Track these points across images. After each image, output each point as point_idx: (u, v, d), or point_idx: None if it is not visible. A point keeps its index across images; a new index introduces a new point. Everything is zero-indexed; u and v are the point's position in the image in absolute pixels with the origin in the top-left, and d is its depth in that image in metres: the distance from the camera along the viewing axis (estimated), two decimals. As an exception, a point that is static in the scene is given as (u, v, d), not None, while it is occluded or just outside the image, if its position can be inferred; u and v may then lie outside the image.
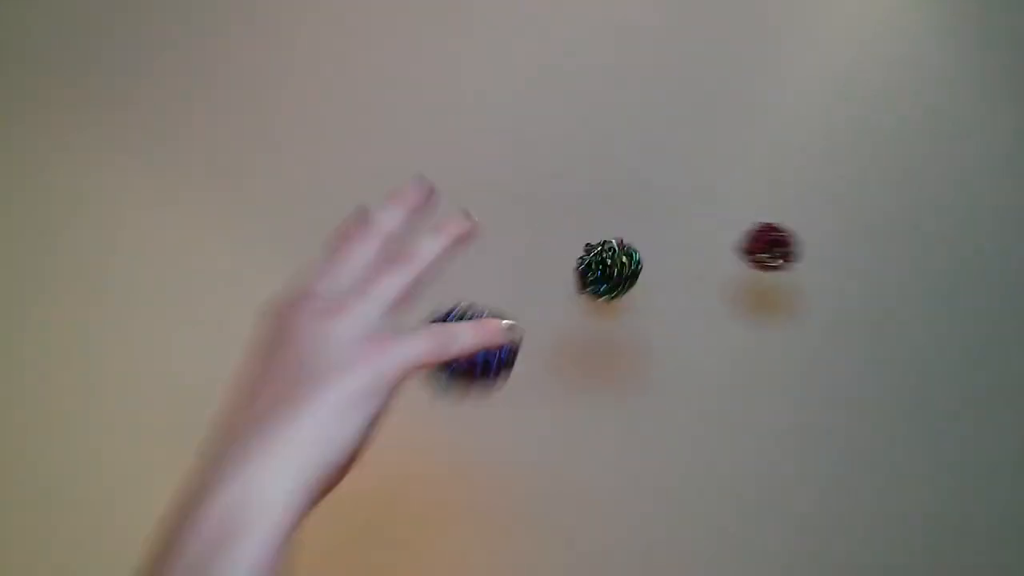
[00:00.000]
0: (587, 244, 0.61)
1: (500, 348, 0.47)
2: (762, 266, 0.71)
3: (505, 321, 0.47)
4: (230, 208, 1.00)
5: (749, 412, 1.05)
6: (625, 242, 0.60)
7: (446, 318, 0.48)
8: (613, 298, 0.60)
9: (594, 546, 1.03)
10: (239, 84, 1.01)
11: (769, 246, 0.71)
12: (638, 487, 1.04)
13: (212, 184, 1.00)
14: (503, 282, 0.95)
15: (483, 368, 0.48)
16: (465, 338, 0.45)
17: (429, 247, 0.47)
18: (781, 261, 0.71)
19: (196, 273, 0.99)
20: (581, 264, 0.60)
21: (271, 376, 0.42)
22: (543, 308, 0.85)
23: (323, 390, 0.40)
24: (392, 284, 0.45)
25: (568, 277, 0.61)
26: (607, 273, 0.59)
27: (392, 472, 0.95)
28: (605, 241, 0.60)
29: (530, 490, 1.02)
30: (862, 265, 1.07)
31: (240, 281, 0.98)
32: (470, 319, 0.47)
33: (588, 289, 0.60)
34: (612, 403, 1.04)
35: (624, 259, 0.59)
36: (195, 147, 1.00)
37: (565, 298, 0.64)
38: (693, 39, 1.05)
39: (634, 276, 0.60)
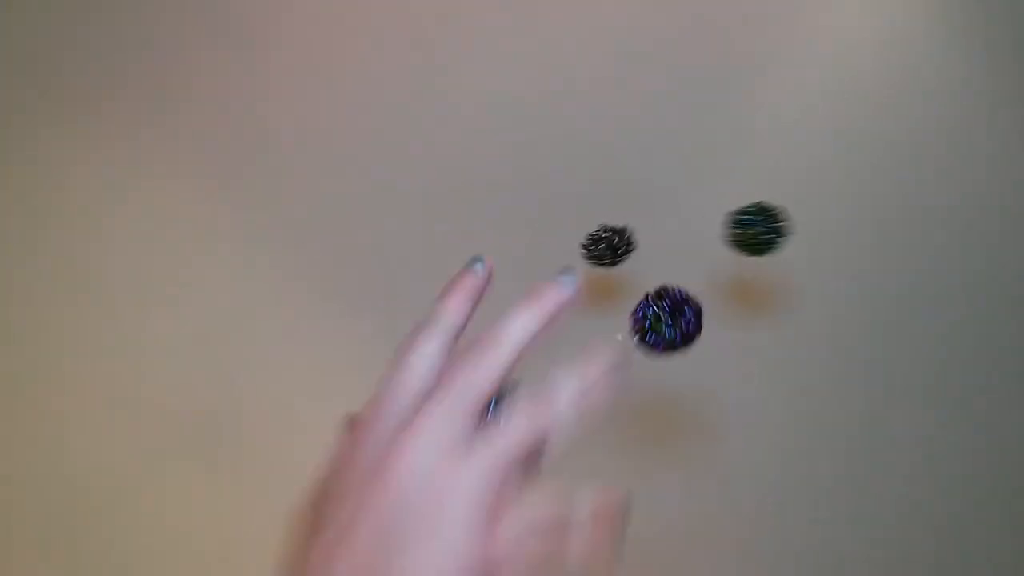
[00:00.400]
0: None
1: (684, 315, 0.43)
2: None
3: (607, 359, 0.39)
4: (228, 208, 1.00)
5: (746, 410, 1.05)
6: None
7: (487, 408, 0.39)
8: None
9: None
10: (239, 81, 1.00)
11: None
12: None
13: (208, 184, 1.00)
14: (502, 282, 0.95)
15: (675, 342, 0.43)
16: (568, 410, 0.37)
17: (516, 326, 0.38)
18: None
19: (193, 272, 0.99)
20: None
21: (363, 520, 0.34)
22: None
23: (420, 557, 0.33)
24: (525, 429, 0.36)
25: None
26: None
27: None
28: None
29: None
30: (863, 265, 1.07)
31: (239, 281, 0.98)
32: (506, 400, 0.39)
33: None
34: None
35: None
36: (192, 146, 0.99)
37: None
38: (693, 39, 1.05)
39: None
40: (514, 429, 0.35)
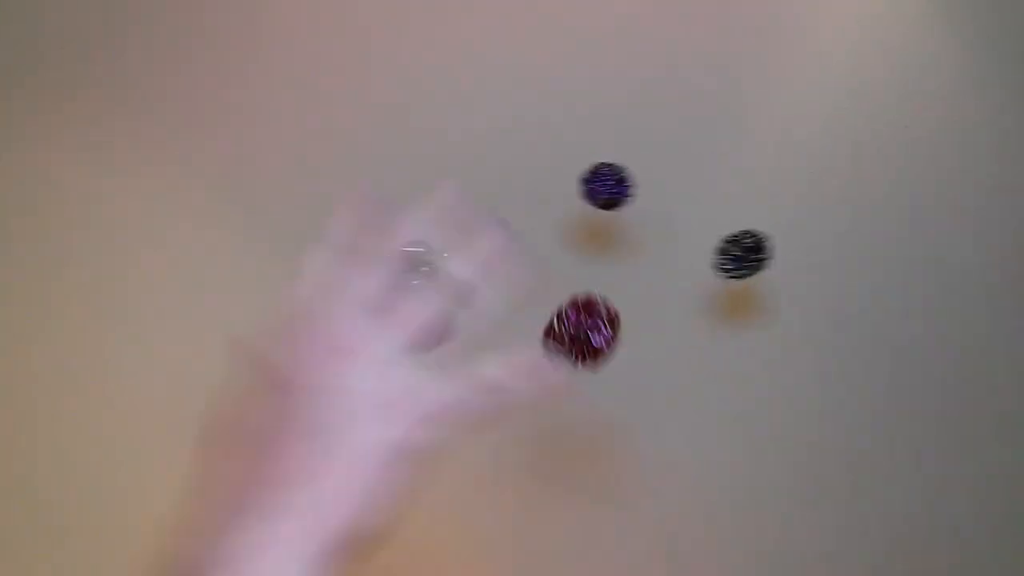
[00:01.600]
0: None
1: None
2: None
3: (541, 365, 0.38)
4: (243, 210, 1.00)
5: (741, 414, 1.06)
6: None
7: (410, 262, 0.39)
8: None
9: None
10: (255, 85, 1.01)
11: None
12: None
13: (224, 186, 1.00)
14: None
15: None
16: (515, 392, 0.37)
17: (466, 267, 0.39)
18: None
19: (208, 276, 0.99)
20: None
21: (277, 430, 0.35)
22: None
23: (338, 448, 0.34)
24: (419, 311, 0.37)
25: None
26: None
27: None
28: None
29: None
30: (858, 267, 1.07)
31: (253, 283, 0.98)
32: (426, 268, 0.38)
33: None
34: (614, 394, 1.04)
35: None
36: (207, 148, 1.00)
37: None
38: (691, 40, 1.05)
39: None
40: (409, 316, 0.37)
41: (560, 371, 0.39)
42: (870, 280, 1.07)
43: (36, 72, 0.99)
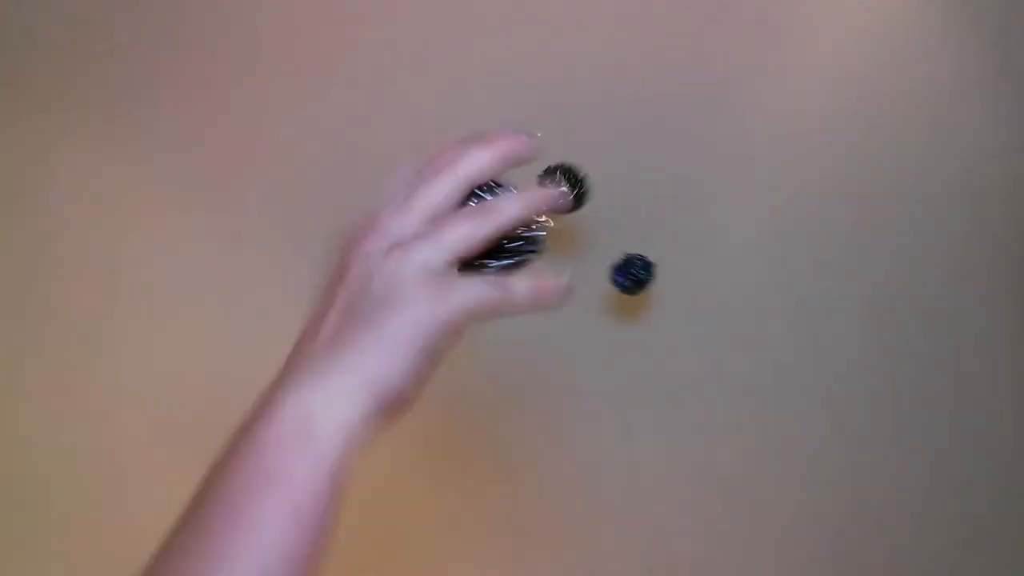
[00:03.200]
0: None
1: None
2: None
3: (562, 281, 0.47)
4: (245, 209, 1.00)
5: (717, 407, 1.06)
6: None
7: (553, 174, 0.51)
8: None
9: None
10: (255, 83, 1.01)
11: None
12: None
13: (224, 186, 1.00)
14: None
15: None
16: (522, 296, 0.45)
17: (511, 208, 0.47)
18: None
19: (210, 273, 0.99)
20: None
21: (337, 305, 0.44)
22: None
23: (385, 322, 0.41)
24: (464, 234, 0.45)
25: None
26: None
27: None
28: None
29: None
30: (857, 266, 1.07)
31: (254, 282, 0.98)
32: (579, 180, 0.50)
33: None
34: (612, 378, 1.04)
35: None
36: (206, 146, 1.00)
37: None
38: (690, 40, 1.05)
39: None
40: (454, 229, 0.45)
41: (559, 284, 0.47)
42: (869, 280, 1.07)
43: (34, 70, 0.99)
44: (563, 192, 0.50)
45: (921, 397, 1.08)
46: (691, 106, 1.04)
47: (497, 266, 0.48)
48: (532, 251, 0.49)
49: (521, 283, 0.46)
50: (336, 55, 1.02)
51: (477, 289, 0.44)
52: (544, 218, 0.49)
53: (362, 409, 0.40)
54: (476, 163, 0.48)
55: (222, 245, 1.00)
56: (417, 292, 0.42)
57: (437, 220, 0.45)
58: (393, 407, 0.41)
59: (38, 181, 0.98)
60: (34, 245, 0.98)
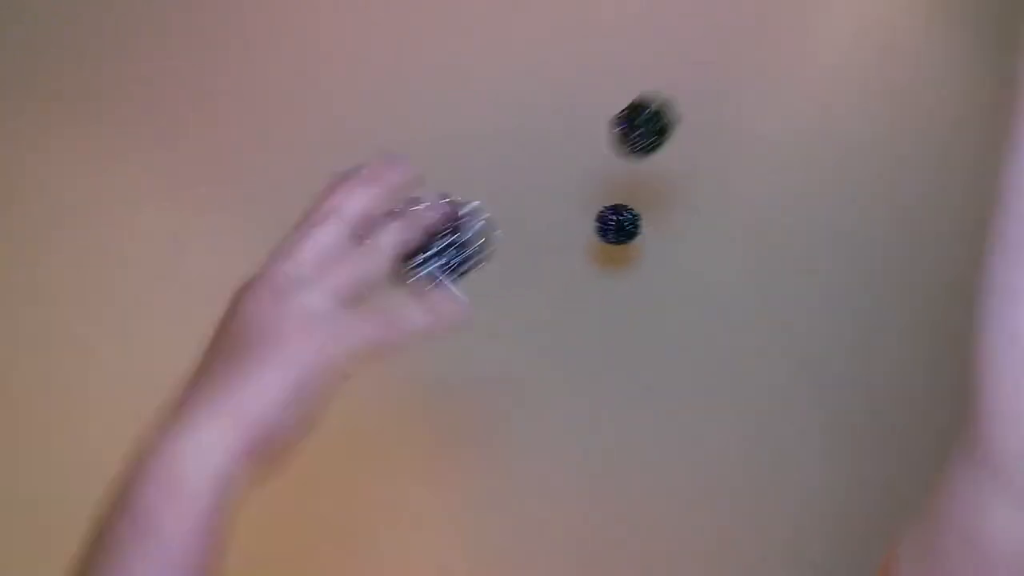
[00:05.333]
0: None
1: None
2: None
3: (459, 303, 0.48)
4: (230, 208, 1.00)
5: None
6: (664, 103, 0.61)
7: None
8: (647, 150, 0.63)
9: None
10: (238, 84, 1.01)
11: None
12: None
13: (209, 184, 1.00)
14: (503, 267, 0.95)
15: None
16: (417, 324, 0.46)
17: (390, 240, 0.48)
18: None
19: (193, 272, 0.99)
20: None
21: (221, 349, 0.44)
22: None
23: (256, 363, 0.42)
24: (349, 273, 0.46)
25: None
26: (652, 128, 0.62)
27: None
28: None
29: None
30: (857, 266, 1.07)
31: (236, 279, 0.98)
32: None
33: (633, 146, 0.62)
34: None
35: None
36: (192, 148, 1.00)
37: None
38: (689, 39, 1.05)
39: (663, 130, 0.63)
40: (339, 270, 0.45)
41: (456, 305, 0.48)
42: (860, 276, 1.07)
43: (33, 67, 0.99)
44: (440, 206, 0.50)
45: (910, 386, 1.08)
46: (691, 106, 1.03)
47: (437, 265, 0.49)
48: (472, 242, 0.49)
49: (415, 312, 0.46)
50: (330, 53, 1.02)
51: (361, 330, 0.44)
52: (470, 207, 0.50)
53: (234, 455, 0.40)
54: (359, 203, 0.48)
55: (217, 243, 0.99)
56: (292, 335, 0.42)
57: (324, 263, 0.46)
58: (270, 447, 0.41)
59: (29, 178, 0.97)
60: (23, 243, 0.98)
